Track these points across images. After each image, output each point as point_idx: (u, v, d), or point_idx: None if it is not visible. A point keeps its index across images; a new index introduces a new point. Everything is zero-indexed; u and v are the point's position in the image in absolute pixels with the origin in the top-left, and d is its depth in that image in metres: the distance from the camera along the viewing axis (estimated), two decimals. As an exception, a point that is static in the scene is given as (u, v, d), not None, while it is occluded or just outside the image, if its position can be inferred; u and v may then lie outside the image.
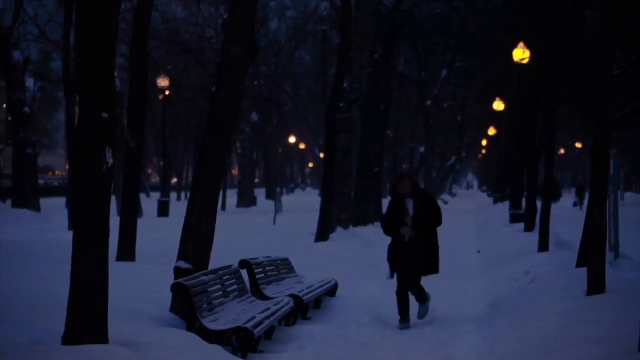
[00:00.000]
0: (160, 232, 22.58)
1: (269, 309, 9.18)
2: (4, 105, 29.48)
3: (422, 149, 39.13)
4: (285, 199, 47.85)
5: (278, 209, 33.17)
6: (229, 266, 9.80)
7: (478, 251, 20.94)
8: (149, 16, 15.55)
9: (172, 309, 9.42)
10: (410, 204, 10.58)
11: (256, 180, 68.90)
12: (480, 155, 75.39)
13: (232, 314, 8.75)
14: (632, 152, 47.31)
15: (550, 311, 9.03)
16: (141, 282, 11.86)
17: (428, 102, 37.50)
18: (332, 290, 12.65)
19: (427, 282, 10.89)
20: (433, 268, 10.68)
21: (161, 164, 40.18)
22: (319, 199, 23.39)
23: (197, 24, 20.11)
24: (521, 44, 22.14)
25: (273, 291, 10.85)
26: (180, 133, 46.84)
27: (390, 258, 10.65)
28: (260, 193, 60.93)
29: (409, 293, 10.63)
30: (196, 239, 9.75)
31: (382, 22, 28.10)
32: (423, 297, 10.73)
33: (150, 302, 9.67)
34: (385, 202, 11.37)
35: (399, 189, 10.66)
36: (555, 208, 22.41)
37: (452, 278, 14.37)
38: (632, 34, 13.17)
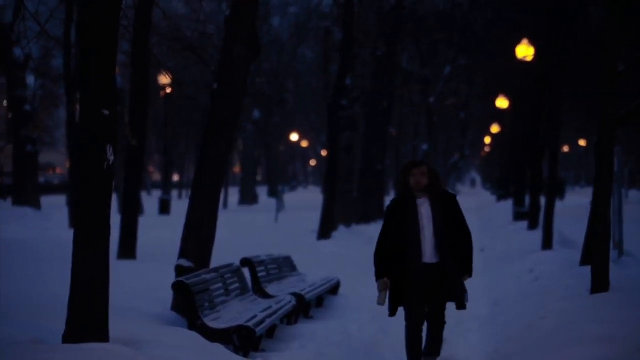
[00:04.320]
0: (161, 230, 22.57)
1: (270, 307, 9.16)
2: (4, 102, 29.38)
3: (424, 146, 39.06)
4: (287, 197, 47.82)
5: (280, 207, 33.14)
6: (231, 264, 9.77)
7: (481, 249, 20.88)
8: (151, 12, 15.49)
9: (173, 308, 9.40)
10: (424, 206, 7.24)
11: (258, 178, 68.82)
12: (483, 153, 75.28)
13: (233, 313, 8.72)
14: (637, 149, 47.22)
15: (554, 309, 8.98)
16: (142, 280, 11.83)
17: (431, 100, 37.46)
18: (334, 289, 12.63)
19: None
20: (459, 298, 7.39)
21: (164, 160, 40.18)
22: (321, 196, 23.35)
23: (198, 21, 19.99)
24: (525, 41, 22.06)
25: (275, 289, 10.82)
26: (182, 130, 46.82)
27: (394, 290, 7.27)
28: (262, 191, 60.93)
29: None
30: (197, 237, 9.73)
31: (384, 19, 28.03)
32: (440, 342, 7.53)
33: (151, 301, 9.65)
34: (388, 201, 7.22)
35: (412, 179, 7.20)
36: (560, 206, 22.36)
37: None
38: (636, 31, 13.09)
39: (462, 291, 7.29)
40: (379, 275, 7.21)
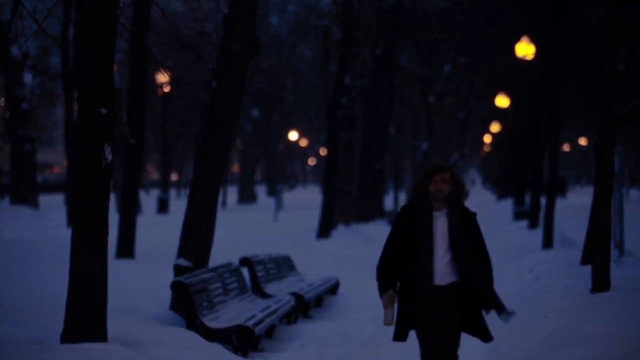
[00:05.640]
0: (159, 229, 22.51)
1: (270, 307, 9.12)
2: (2, 101, 29.27)
3: (424, 145, 39.05)
4: (287, 196, 47.82)
5: (279, 206, 33.14)
6: (230, 264, 9.73)
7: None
8: (149, 11, 15.44)
9: (172, 307, 9.36)
10: (441, 220, 6.14)
11: (257, 177, 68.77)
12: (483, 152, 75.26)
13: (232, 312, 8.68)
14: (638, 149, 47.13)
15: (555, 309, 8.96)
16: (141, 280, 11.80)
17: (431, 99, 37.45)
18: (333, 288, 12.59)
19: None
20: (483, 330, 6.36)
21: (162, 159, 40.14)
22: (320, 196, 23.32)
23: (197, 19, 19.96)
24: (525, 39, 22.01)
25: (274, 289, 10.78)
26: (181, 130, 46.78)
27: (403, 314, 6.21)
28: (261, 190, 60.92)
29: None
30: (196, 237, 9.70)
31: (384, 18, 28.00)
32: None
33: (150, 300, 9.61)
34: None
35: (432, 187, 6.13)
36: (560, 205, 22.31)
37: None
38: (636, 31, 13.06)
39: (498, 303, 6.29)
40: (383, 290, 6.15)
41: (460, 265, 6.12)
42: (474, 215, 6.27)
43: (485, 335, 6.31)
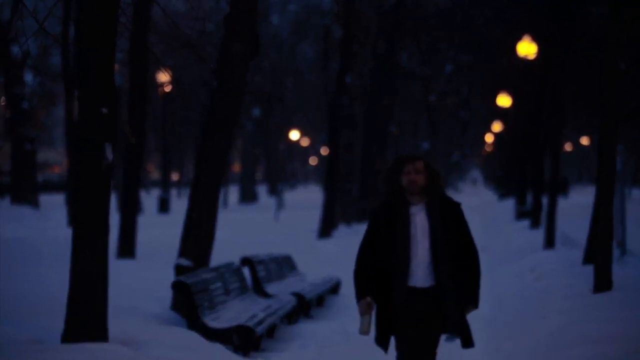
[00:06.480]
0: (160, 229, 22.51)
1: (271, 307, 9.12)
2: (2, 100, 29.26)
3: (426, 145, 39.00)
4: (288, 196, 47.82)
5: (280, 206, 33.12)
6: (231, 263, 9.73)
7: (483, 249, 20.78)
8: (150, 10, 15.44)
9: (172, 307, 9.35)
10: (420, 214, 5.51)
11: (258, 177, 68.74)
12: (484, 152, 75.23)
13: (233, 312, 8.68)
14: (639, 148, 47.08)
15: (556, 309, 8.94)
16: (141, 279, 11.79)
17: (432, 98, 37.43)
18: (334, 288, 12.58)
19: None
20: (458, 325, 5.55)
21: (163, 158, 40.12)
22: (321, 195, 23.32)
23: (198, 18, 19.90)
24: (527, 38, 21.98)
25: (275, 289, 10.77)
26: (181, 129, 46.78)
27: (381, 318, 5.58)
28: (262, 190, 60.94)
29: None
30: (197, 236, 9.70)
31: (384, 17, 27.98)
32: None
33: (151, 300, 9.61)
34: None
35: (405, 178, 5.49)
36: (562, 204, 22.30)
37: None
38: (637, 30, 13.04)
39: (465, 325, 5.51)
40: (360, 296, 5.51)
41: (439, 270, 5.44)
42: (457, 205, 5.60)
43: (467, 340, 5.55)
